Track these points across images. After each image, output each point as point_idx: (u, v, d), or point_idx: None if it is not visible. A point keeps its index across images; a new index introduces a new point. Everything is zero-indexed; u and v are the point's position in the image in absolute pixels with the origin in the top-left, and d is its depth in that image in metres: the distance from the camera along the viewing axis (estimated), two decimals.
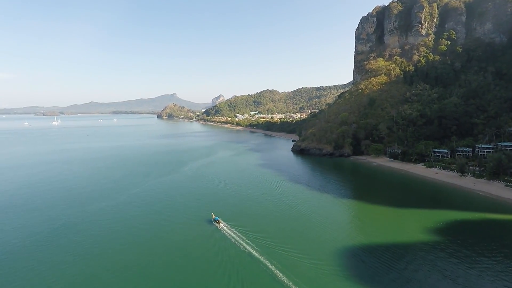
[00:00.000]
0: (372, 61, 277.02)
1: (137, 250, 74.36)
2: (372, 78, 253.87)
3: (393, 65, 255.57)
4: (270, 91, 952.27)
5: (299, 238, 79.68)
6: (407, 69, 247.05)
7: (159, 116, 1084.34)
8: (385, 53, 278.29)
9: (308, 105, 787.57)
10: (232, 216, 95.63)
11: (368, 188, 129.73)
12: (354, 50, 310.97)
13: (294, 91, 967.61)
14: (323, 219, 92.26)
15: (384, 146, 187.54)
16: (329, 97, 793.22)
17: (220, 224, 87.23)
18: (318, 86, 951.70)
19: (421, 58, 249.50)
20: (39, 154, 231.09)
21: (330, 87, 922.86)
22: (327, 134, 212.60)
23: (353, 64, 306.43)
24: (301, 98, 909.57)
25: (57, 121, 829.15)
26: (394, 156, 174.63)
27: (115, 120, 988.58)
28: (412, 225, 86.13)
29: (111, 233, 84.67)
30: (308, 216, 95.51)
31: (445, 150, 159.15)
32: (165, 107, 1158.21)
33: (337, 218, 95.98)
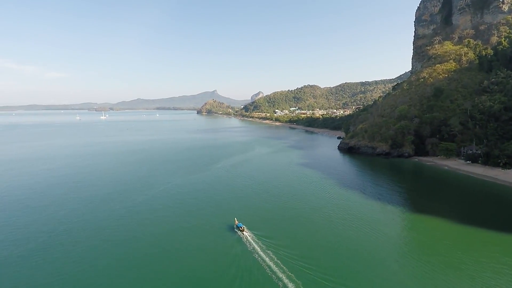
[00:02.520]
0: (437, 46, 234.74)
1: (137, 256, 61.23)
2: (437, 65, 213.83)
3: (465, 49, 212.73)
4: (311, 86, 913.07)
5: (359, 270, 55.19)
6: (484, 53, 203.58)
7: (199, 112, 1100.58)
8: (454, 36, 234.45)
9: (352, 100, 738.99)
10: (262, 224, 76.17)
11: (444, 201, 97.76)
12: (413, 35, 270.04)
13: (336, 86, 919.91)
14: (390, 242, 66.56)
15: (457, 146, 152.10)
16: (375, 92, 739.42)
17: (244, 232, 69.65)
18: (363, 81, 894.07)
19: (503, 40, 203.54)
20: (75, 146, 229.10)
21: (376, 82, 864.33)
22: (381, 130, 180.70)
23: (412, 51, 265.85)
24: (344, 93, 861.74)
25: (105, 116, 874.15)
26: (473, 159, 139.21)
27: (157, 115, 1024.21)
28: None
29: (120, 234, 71.21)
30: (368, 235, 70.14)
31: None
32: (205, 103, 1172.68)
33: (408, 242, 68.96)
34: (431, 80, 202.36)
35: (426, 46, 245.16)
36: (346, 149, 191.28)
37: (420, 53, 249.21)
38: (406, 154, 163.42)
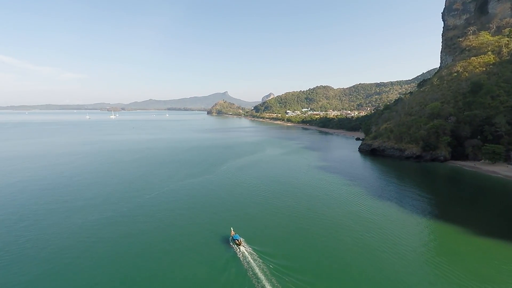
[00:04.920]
0: (471, 37, 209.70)
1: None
2: (473, 58, 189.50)
3: (506, 40, 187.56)
4: (324, 87, 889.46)
5: None
6: None
7: (209, 112, 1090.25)
8: (491, 25, 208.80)
9: (367, 102, 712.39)
10: (265, 238, 60.56)
11: (496, 215, 75.04)
12: (442, 26, 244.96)
13: (350, 87, 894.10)
14: (427, 266, 48.45)
15: (505, 149, 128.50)
16: (391, 93, 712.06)
17: (241, 247, 54.96)
18: (378, 82, 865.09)
19: None
20: (74, 144, 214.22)
21: (392, 83, 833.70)
22: (410, 130, 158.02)
23: (441, 43, 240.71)
24: (358, 95, 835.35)
25: (115, 115, 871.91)
26: None
27: (166, 115, 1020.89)
28: None
29: (95, 246, 55.34)
30: (402, 259, 51.43)
31: None
32: (215, 104, 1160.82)
33: (452, 267, 48.64)
34: (466, 75, 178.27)
35: (458, 37, 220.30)
36: (368, 151, 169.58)
37: (451, 46, 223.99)
38: (442, 157, 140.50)
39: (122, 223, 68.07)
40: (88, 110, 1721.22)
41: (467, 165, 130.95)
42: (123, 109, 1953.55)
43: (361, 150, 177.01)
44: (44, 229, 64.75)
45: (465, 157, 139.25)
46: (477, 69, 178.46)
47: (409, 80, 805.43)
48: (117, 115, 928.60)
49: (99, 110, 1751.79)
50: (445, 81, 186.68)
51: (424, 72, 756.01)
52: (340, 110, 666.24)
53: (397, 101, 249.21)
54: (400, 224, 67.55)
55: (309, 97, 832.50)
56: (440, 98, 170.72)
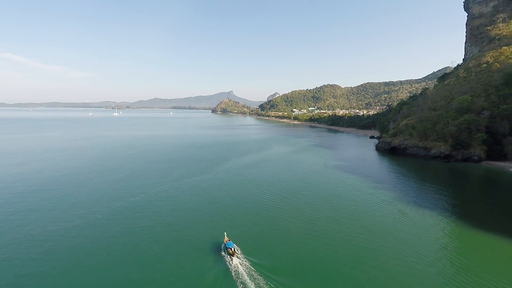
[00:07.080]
0: (500, 25, 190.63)
1: None
2: (504, 47, 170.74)
3: None
4: (331, 86, 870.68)
5: None
6: None
7: (214, 111, 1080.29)
8: None
9: (376, 101, 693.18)
10: (266, 248, 46.96)
11: None
12: (466, 15, 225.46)
13: (358, 86, 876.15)
14: None
15: None
16: (401, 92, 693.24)
17: (235, 258, 42.32)
18: (387, 81, 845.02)
19: None
20: (67, 140, 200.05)
21: (401, 82, 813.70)
22: (436, 126, 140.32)
23: (465, 33, 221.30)
24: (366, 94, 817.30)
25: (118, 113, 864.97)
26: None
27: (171, 113, 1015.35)
28: None
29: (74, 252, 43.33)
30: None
31: None
32: (220, 102, 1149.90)
33: None
34: (498, 65, 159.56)
35: (486, 26, 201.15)
36: (388, 150, 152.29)
37: (478, 35, 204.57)
38: (476, 157, 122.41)
39: (100, 229, 52.14)
40: (93, 108, 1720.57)
41: (507, 166, 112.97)
42: (128, 107, 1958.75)
43: (378, 148, 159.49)
44: (27, 233, 49.25)
45: (503, 157, 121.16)
46: (510, 59, 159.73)
47: (419, 79, 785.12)
48: (120, 112, 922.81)
49: (104, 108, 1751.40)
50: (473, 73, 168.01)
51: (435, 71, 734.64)
52: (348, 109, 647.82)
53: (415, 96, 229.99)
54: (444, 238, 50.77)
55: (315, 95, 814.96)
56: (469, 91, 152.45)
